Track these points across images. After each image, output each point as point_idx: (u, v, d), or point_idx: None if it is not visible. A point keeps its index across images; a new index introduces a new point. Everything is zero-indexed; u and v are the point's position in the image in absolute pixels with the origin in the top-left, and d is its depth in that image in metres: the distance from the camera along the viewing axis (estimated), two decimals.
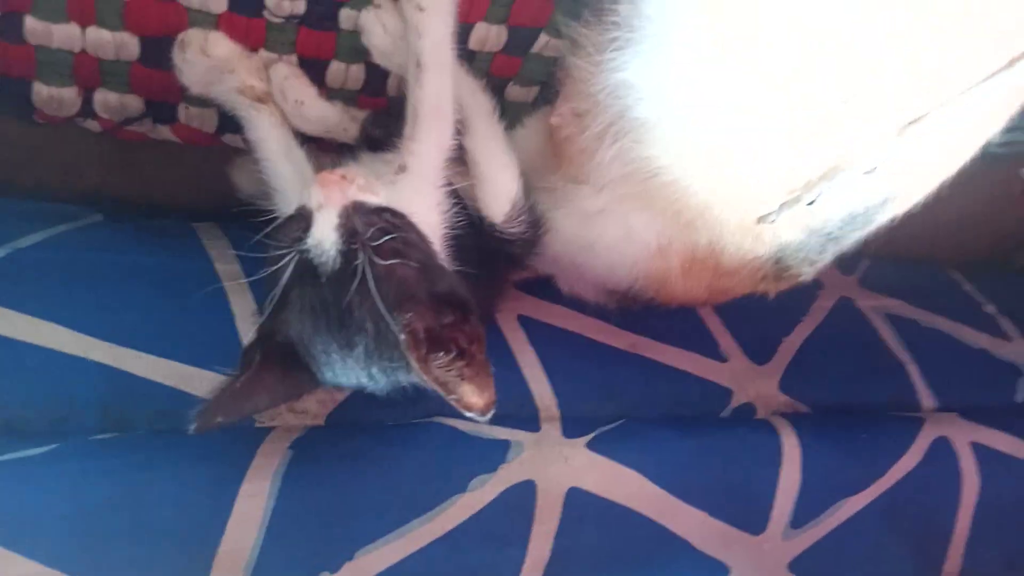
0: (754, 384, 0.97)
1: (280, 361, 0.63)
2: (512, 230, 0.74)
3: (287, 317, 0.61)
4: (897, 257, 1.25)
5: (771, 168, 0.68)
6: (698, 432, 0.89)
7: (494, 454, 0.77)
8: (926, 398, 1.06)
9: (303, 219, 0.60)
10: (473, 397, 0.58)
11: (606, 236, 0.78)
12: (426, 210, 0.67)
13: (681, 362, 0.95)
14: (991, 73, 0.59)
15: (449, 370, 0.59)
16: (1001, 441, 1.02)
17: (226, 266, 0.81)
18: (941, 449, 0.98)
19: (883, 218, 0.75)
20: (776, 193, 0.70)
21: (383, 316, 0.59)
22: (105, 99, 0.73)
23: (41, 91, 0.71)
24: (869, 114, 0.62)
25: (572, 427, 0.83)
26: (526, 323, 0.89)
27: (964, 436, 1.01)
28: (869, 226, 0.76)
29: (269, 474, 0.68)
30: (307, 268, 0.60)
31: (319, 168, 0.76)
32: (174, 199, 0.88)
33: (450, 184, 0.70)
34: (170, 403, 0.70)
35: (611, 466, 0.81)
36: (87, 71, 0.71)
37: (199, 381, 0.71)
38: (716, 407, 0.94)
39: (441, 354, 0.59)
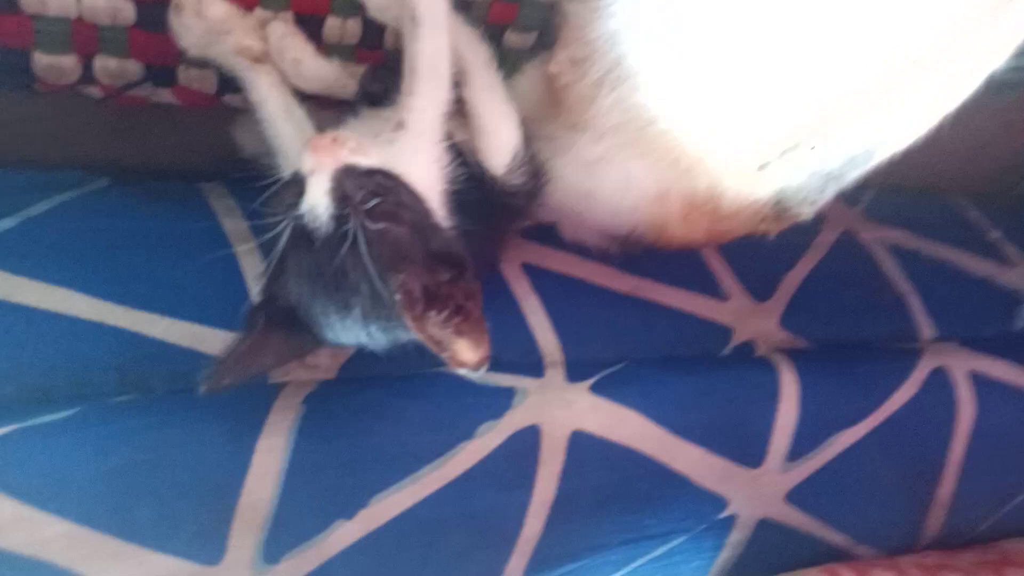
0: (754, 322, 0.99)
1: (284, 322, 0.64)
2: (514, 182, 0.74)
3: (286, 282, 0.63)
4: (902, 187, 1.24)
5: (769, 115, 0.68)
6: (698, 372, 0.91)
7: (499, 401, 0.80)
8: (926, 328, 1.07)
9: (297, 184, 0.61)
10: (468, 353, 0.60)
11: (606, 183, 0.78)
12: (424, 166, 0.67)
13: (682, 302, 0.96)
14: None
15: (445, 327, 0.60)
16: (999, 369, 1.04)
17: (234, 225, 0.82)
18: (938, 379, 1.00)
19: (884, 155, 0.75)
20: (775, 138, 0.70)
21: (377, 278, 0.60)
22: (105, 65, 0.73)
23: (40, 60, 0.71)
24: (869, 55, 0.62)
25: (575, 372, 0.86)
26: (530, 271, 0.91)
27: (962, 365, 1.03)
28: (870, 163, 0.76)
29: (284, 429, 0.71)
30: (302, 233, 0.61)
31: (321, 126, 0.76)
32: (179, 161, 0.89)
33: (450, 138, 0.71)
34: (186, 364, 0.72)
35: (613, 408, 0.84)
36: (85, 38, 0.70)
37: (213, 341, 0.73)
38: (716, 346, 0.96)
39: (434, 312, 0.60)
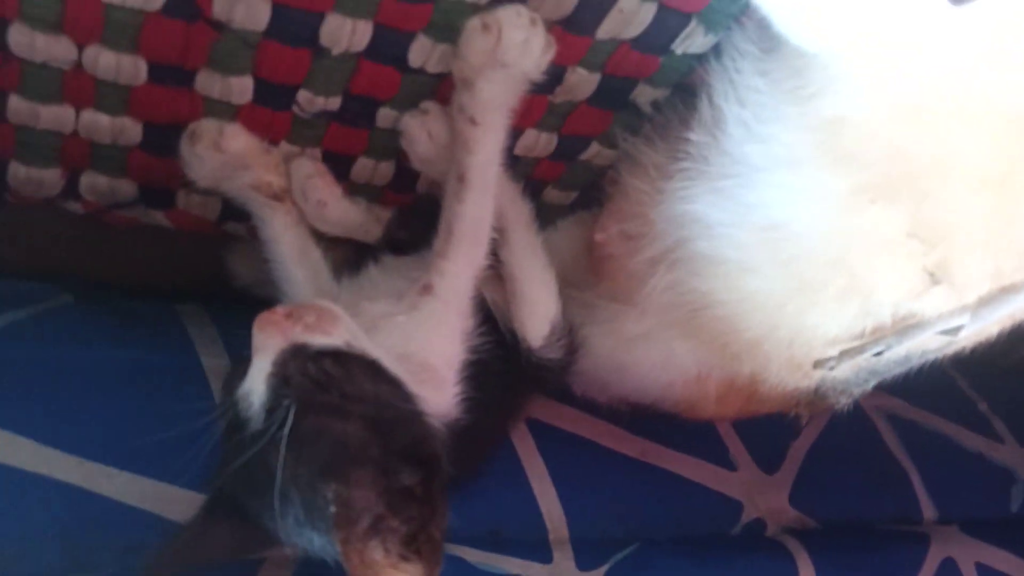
0: (764, 497, 0.93)
1: (233, 513, 0.54)
2: (549, 355, 0.67)
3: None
4: None
5: (838, 316, 0.63)
6: (713, 556, 0.84)
7: None
8: (928, 509, 1.04)
9: (246, 364, 0.52)
10: None
11: (645, 360, 0.72)
12: (446, 337, 0.60)
13: (691, 471, 0.90)
14: None
15: (389, 554, 0.49)
16: (1003, 561, 1.01)
17: (214, 360, 0.71)
18: (949, 572, 0.96)
19: (937, 357, 0.71)
20: (838, 338, 0.65)
21: (309, 485, 0.50)
22: (93, 182, 0.63)
23: (18, 171, 0.61)
24: (961, 277, 0.58)
25: (585, 555, 0.77)
26: (536, 428, 0.83)
27: (969, 556, 0.99)
28: (918, 362, 0.72)
29: None
30: (237, 423, 0.52)
31: (338, 269, 0.68)
32: (157, 278, 0.78)
33: (480, 301, 0.63)
34: (144, 532, 0.61)
35: None
36: (76, 153, 0.61)
37: (181, 504, 0.61)
38: (727, 523, 0.89)
39: (381, 531, 0.49)
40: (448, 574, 0.68)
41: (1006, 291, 0.58)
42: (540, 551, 0.76)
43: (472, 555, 0.72)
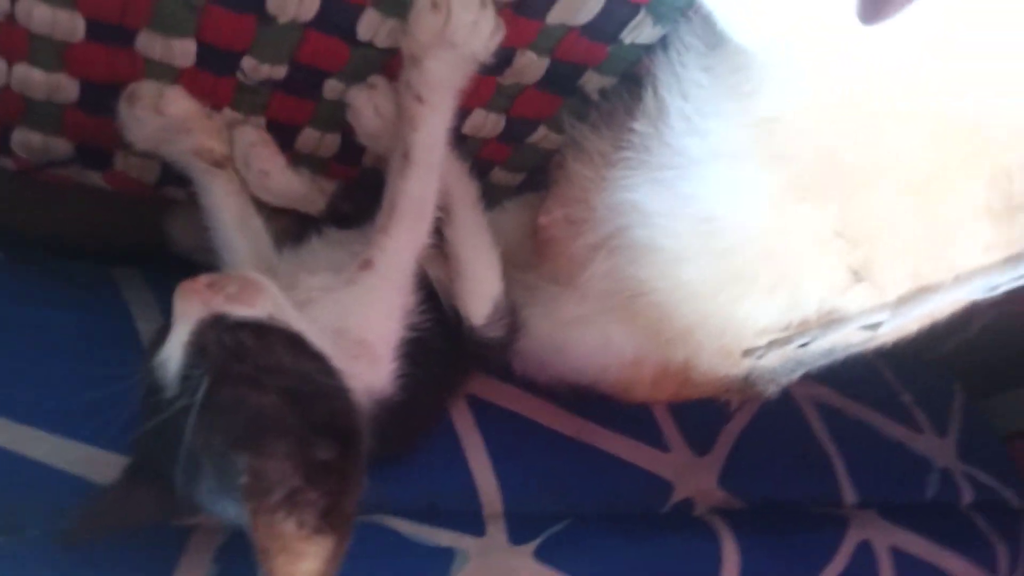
0: (694, 478, 0.96)
1: (157, 478, 0.54)
2: (490, 334, 0.68)
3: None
4: None
5: (767, 308, 0.65)
6: (642, 534, 0.86)
7: (438, 566, 0.72)
8: (848, 493, 1.08)
9: (167, 330, 0.52)
10: (308, 564, 0.48)
11: (582, 343, 0.74)
12: (384, 313, 0.60)
13: (625, 451, 0.92)
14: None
15: (301, 527, 0.49)
16: (916, 545, 1.06)
17: (150, 325, 0.70)
18: (864, 554, 1.00)
19: (861, 350, 0.74)
20: (767, 328, 0.68)
21: (221, 454, 0.50)
22: (26, 139, 0.62)
23: None
24: (883, 277, 0.60)
25: (518, 530, 0.79)
26: (474, 404, 0.84)
27: (884, 539, 1.03)
28: (843, 355, 0.75)
29: None
30: (154, 388, 0.52)
31: (280, 239, 0.67)
32: (92, 241, 0.77)
33: (422, 278, 0.64)
34: (72, 496, 0.60)
35: None
36: (8, 108, 0.59)
37: (110, 468, 0.60)
38: (657, 502, 0.92)
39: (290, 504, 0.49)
40: (379, 545, 0.71)
41: (924, 291, 0.60)
42: (473, 524, 0.77)
43: (404, 527, 0.73)
